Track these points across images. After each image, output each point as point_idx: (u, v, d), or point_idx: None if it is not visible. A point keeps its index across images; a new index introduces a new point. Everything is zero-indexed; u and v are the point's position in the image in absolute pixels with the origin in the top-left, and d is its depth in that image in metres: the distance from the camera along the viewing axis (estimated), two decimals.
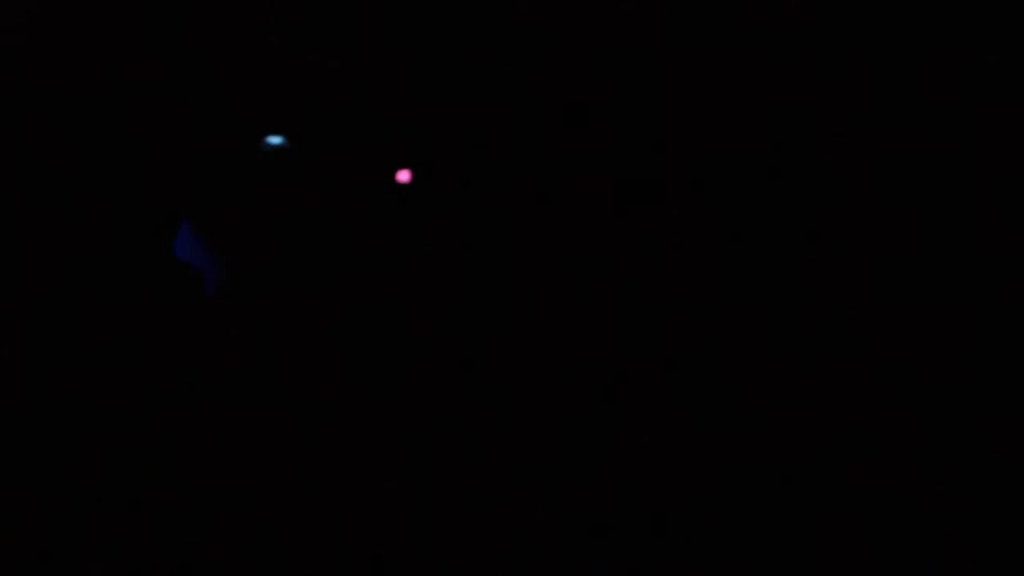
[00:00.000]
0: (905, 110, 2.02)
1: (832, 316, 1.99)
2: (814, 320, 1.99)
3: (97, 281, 1.99)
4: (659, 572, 1.86)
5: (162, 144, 2.05)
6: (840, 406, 1.94)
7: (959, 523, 1.84)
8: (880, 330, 1.97)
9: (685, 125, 2.07)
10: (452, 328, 2.05)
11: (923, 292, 1.98)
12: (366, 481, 1.94)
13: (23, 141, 1.99)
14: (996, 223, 1.96)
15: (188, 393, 1.97)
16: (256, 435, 1.96)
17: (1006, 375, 1.91)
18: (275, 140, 1.96)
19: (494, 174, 2.08)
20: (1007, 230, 1.96)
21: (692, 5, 2.03)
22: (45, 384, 1.94)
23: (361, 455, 1.97)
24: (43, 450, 1.90)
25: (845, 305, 1.99)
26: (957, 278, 1.97)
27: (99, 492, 1.88)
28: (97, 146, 2.02)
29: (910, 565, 1.82)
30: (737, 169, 2.05)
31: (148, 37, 2.03)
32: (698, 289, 2.03)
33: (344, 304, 2.06)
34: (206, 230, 2.05)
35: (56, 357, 1.95)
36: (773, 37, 2.03)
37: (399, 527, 1.90)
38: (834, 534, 1.86)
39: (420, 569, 1.87)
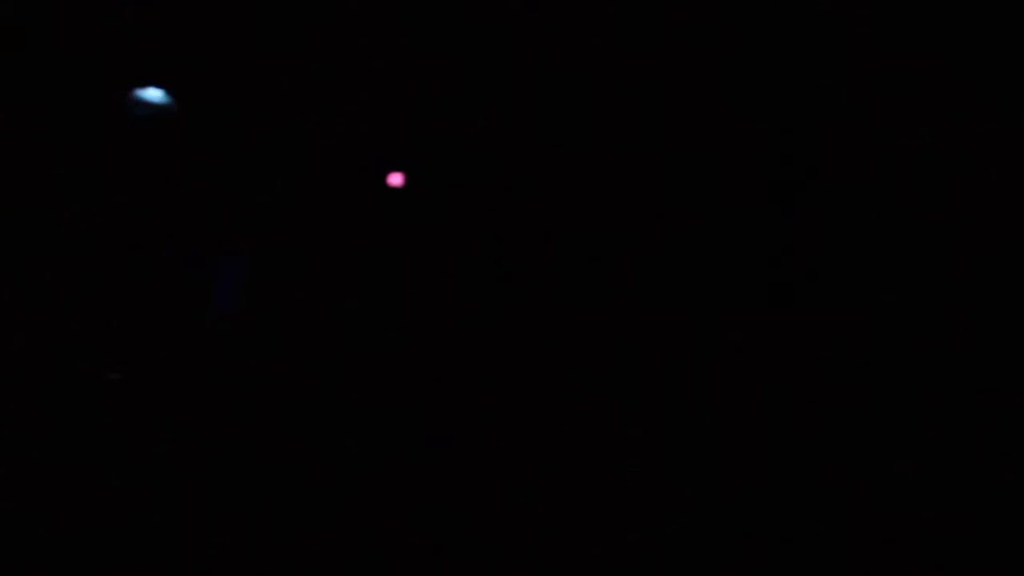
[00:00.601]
0: (905, 111, 2.02)
1: (831, 316, 1.99)
2: (813, 320, 1.99)
3: (93, 280, 1.99)
4: (659, 571, 1.86)
5: (158, 145, 2.04)
6: (838, 405, 1.95)
7: (957, 522, 1.85)
8: (879, 330, 1.97)
9: (684, 127, 2.06)
10: (446, 330, 2.05)
11: (922, 292, 1.98)
12: (362, 480, 1.94)
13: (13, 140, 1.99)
14: (996, 224, 1.96)
15: (185, 392, 1.97)
16: (254, 435, 1.97)
17: (1006, 375, 1.91)
18: (153, 96, 1.78)
19: (487, 177, 2.07)
20: (1007, 230, 1.96)
21: (692, 6, 2.02)
22: (44, 384, 1.94)
23: (359, 454, 1.97)
24: (43, 450, 1.90)
25: (844, 305, 1.99)
26: (956, 278, 1.97)
27: (98, 492, 1.88)
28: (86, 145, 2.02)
29: (907, 564, 1.83)
30: (736, 171, 2.05)
31: (146, 38, 2.02)
32: (696, 289, 2.03)
33: (340, 306, 2.06)
34: (203, 236, 2.04)
35: (54, 356, 1.95)
36: (772, 37, 2.03)
37: (398, 526, 1.91)
38: (833, 534, 1.86)
39: (420, 569, 1.87)
